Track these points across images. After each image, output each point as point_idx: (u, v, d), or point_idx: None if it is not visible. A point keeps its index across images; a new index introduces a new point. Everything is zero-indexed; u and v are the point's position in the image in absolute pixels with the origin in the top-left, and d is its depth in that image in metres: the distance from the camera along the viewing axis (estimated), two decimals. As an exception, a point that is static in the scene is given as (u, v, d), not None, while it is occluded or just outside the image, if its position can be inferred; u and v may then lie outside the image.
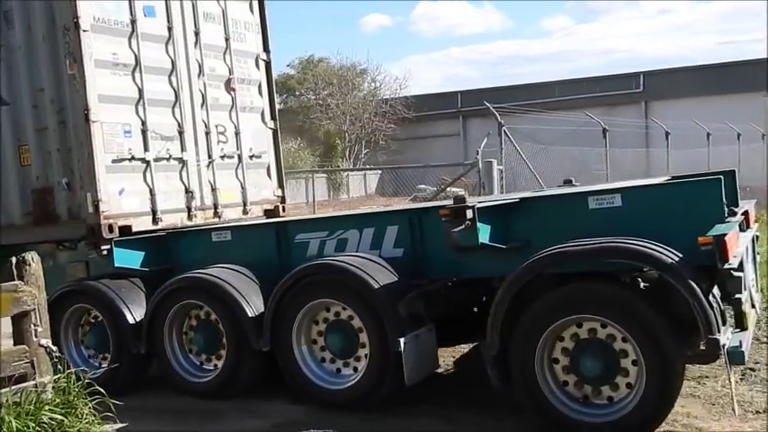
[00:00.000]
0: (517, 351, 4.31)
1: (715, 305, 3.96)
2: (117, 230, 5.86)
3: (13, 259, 4.33)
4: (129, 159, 6.09)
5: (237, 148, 7.23)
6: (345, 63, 48.35)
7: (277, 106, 7.82)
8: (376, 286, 4.82)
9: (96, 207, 5.76)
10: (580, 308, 4.22)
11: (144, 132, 6.22)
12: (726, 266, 3.95)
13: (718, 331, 3.89)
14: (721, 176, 4.49)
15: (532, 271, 4.32)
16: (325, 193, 41.29)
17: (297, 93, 48.63)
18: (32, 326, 4.30)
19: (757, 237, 5.61)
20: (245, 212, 7.31)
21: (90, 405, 4.28)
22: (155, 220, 6.29)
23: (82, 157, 5.79)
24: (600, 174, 19.30)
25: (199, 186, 6.79)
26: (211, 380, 5.48)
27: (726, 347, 3.87)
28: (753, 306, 4.80)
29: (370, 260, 5.09)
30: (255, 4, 7.60)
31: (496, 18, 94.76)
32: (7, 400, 4.04)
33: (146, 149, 6.23)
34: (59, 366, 4.34)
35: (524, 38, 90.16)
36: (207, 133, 6.89)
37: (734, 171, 5.48)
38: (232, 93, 7.21)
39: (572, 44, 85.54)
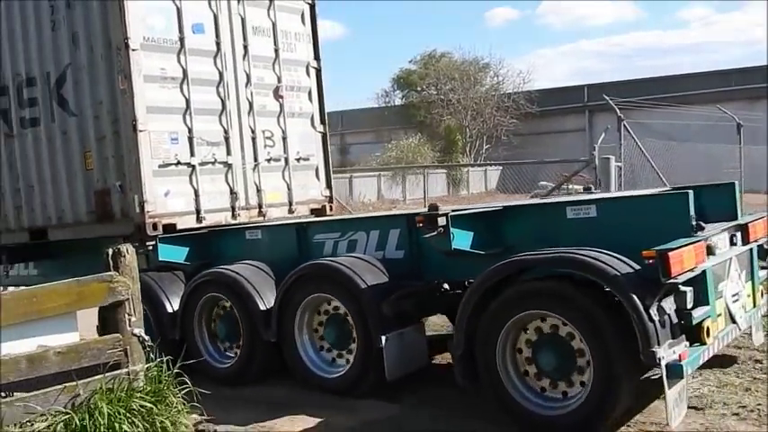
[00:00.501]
0: (481, 341, 4.56)
1: (658, 319, 4.03)
2: (161, 228, 6.62)
3: (110, 251, 4.52)
4: (176, 164, 6.83)
5: (284, 152, 7.84)
6: (468, 58, 48.31)
7: (326, 110, 8.35)
8: (362, 285, 5.22)
9: (142, 207, 6.54)
10: (543, 304, 4.43)
11: (190, 139, 6.95)
12: (669, 281, 4.00)
13: (658, 344, 3.97)
14: (689, 191, 4.51)
15: (496, 275, 4.56)
16: (444, 188, 41.74)
17: (418, 88, 49.22)
18: (126, 315, 4.42)
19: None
20: (290, 212, 7.91)
21: (179, 395, 4.37)
22: (198, 219, 7.01)
23: (131, 162, 6.59)
24: (732, 173, 18.36)
25: (244, 188, 7.46)
26: (230, 367, 6.11)
27: (663, 361, 3.95)
28: (733, 321, 4.76)
29: (364, 261, 5.50)
30: (307, 16, 8.17)
31: (628, 9, 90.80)
32: (101, 387, 4.18)
33: (192, 155, 6.96)
34: (151, 355, 4.47)
35: (659, 29, 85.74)
36: (253, 138, 7.55)
37: (733, 184, 5.39)
38: (280, 100, 7.83)
39: (712, 35, 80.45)
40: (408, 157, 38.77)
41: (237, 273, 6.02)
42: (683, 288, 4.09)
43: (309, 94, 8.20)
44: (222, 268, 6.18)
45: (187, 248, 6.82)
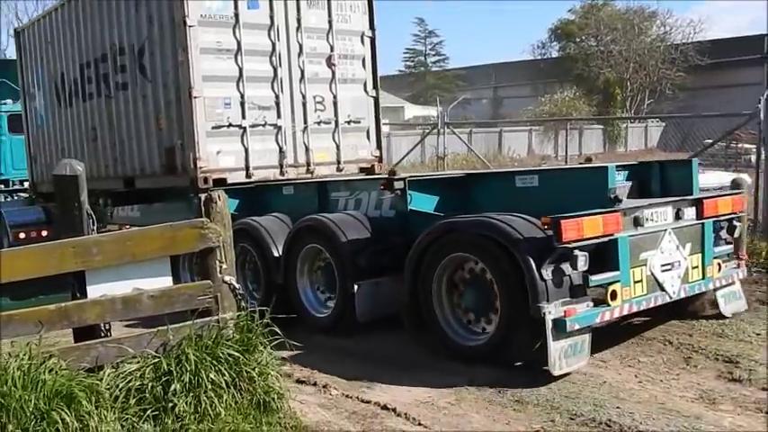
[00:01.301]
0: (422, 282, 5.36)
1: (551, 278, 4.60)
2: (211, 182, 7.83)
3: (202, 196, 4.67)
4: (228, 126, 7.99)
5: (335, 115, 8.77)
6: (632, 6, 46.06)
7: (379, 76, 9.14)
8: (342, 239, 6.11)
9: (195, 164, 7.78)
10: (467, 249, 5.18)
11: (242, 104, 8.07)
12: (561, 246, 4.53)
13: (547, 300, 4.55)
14: (608, 166, 4.93)
15: (432, 234, 5.28)
16: (600, 144, 40.64)
17: (577, 39, 47.72)
18: (217, 262, 4.43)
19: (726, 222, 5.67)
20: (338, 170, 8.86)
21: (268, 346, 4.36)
22: (248, 175, 8.16)
23: (188, 124, 7.83)
24: None
25: (293, 148, 8.50)
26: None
27: (548, 316, 4.52)
28: (662, 288, 5.14)
29: (354, 218, 6.36)
30: (364, -12, 8.94)
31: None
32: (189, 333, 4.21)
33: (243, 118, 8.08)
34: (243, 304, 4.51)
35: None
36: (304, 103, 8.54)
37: (692, 161, 5.62)
38: (332, 68, 8.73)
39: None
40: (562, 111, 38.16)
41: (260, 223, 7.11)
42: (576, 253, 4.58)
43: (363, 61, 9.03)
44: (250, 219, 7.26)
45: (237, 200, 7.99)
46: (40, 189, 12.14)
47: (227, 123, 8.01)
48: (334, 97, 8.78)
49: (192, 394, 3.97)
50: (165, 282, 4.43)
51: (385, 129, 36.48)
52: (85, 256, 4.18)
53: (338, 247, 6.13)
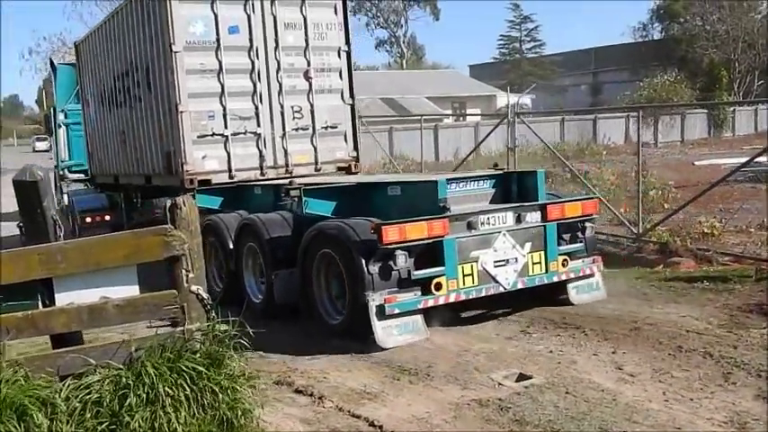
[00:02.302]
0: (305, 270, 6.78)
1: (377, 272, 5.92)
2: (197, 183, 9.48)
3: (167, 202, 4.63)
4: (212, 135, 9.61)
5: (312, 122, 10.20)
6: (742, -18, 44.45)
7: (355, 86, 10.47)
8: (266, 236, 7.57)
9: (182, 167, 9.46)
10: (331, 246, 6.55)
11: (224, 115, 9.66)
12: (382, 247, 5.83)
13: (373, 290, 5.89)
14: (437, 180, 6.14)
15: (309, 234, 6.69)
16: (704, 130, 39.65)
17: (681, 19, 46.39)
18: (183, 271, 4.39)
19: (563, 226, 6.85)
20: (316, 170, 10.30)
21: (238, 359, 4.32)
22: (230, 176, 9.75)
23: (177, 134, 9.51)
24: None
25: (273, 152, 10.01)
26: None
27: (371, 302, 5.84)
28: (495, 281, 6.42)
29: (282, 218, 7.79)
30: (340, 8, 10.29)
31: None
32: (152, 345, 4.21)
33: (225, 127, 9.67)
34: (213, 314, 4.46)
35: None
36: (282, 113, 10.02)
37: (536, 172, 6.67)
38: (309, 81, 10.16)
39: None
40: (662, 96, 37.53)
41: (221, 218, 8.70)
42: (397, 252, 5.86)
43: (340, 73, 10.40)
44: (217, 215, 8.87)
45: (222, 198, 9.62)
46: (98, 180, 14.37)
47: (212, 132, 9.62)
48: (312, 106, 10.20)
49: (149, 409, 3.97)
50: (133, 290, 4.47)
51: (474, 119, 37.14)
52: (51, 263, 4.24)
53: (263, 243, 7.61)
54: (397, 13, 62.15)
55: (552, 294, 7.14)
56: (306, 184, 7.40)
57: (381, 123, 29.13)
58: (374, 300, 5.92)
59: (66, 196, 16.71)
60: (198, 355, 4.24)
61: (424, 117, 32.28)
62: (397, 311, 6.00)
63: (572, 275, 6.99)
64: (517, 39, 57.42)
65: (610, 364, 5.68)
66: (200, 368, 4.14)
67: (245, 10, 9.70)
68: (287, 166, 10.15)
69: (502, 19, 74.42)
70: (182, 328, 4.35)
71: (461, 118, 41.68)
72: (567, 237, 7.02)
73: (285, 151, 10.11)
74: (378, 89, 42.27)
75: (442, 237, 6.07)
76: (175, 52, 9.30)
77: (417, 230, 5.94)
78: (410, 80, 49.23)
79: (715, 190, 11.22)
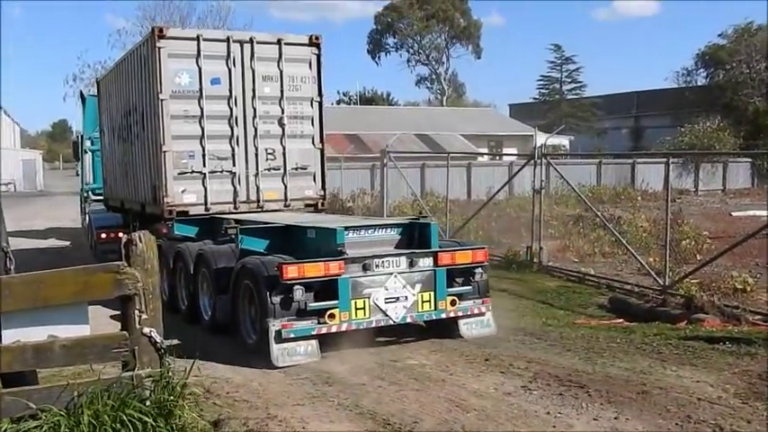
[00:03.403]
0: (234, 296, 8.20)
1: (279, 302, 7.28)
2: (175, 214, 11.02)
3: (123, 237, 4.48)
4: (191, 172, 11.16)
5: (284, 163, 11.67)
6: (789, 30, 44.75)
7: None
8: (213, 266, 9.01)
9: (163, 200, 11.01)
10: (249, 278, 7.91)
11: (204, 156, 11.21)
12: (283, 281, 7.19)
13: (274, 317, 7.25)
14: (336, 228, 7.50)
15: (237, 267, 8.12)
16: (747, 179, 39.67)
17: (726, 66, 46.69)
18: (137, 311, 4.25)
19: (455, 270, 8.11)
20: (286, 205, 11.75)
21: (194, 410, 4.20)
22: (206, 209, 11.26)
23: (160, 170, 11.09)
24: None
25: (246, 188, 11.51)
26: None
27: (272, 327, 7.19)
28: (386, 315, 7.68)
29: (231, 250, 9.18)
30: (314, 63, 11.80)
31: None
32: (93, 391, 4.03)
33: (204, 166, 11.21)
34: (167, 359, 4.32)
35: None
36: (256, 154, 11.53)
37: (429, 224, 8.01)
38: (283, 127, 11.66)
39: None
40: (704, 143, 37.85)
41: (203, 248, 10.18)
42: (295, 287, 7.22)
43: (312, 120, 11.88)
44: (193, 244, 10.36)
45: (197, 228, 11.13)
46: (110, 203, 16.14)
47: (191, 170, 11.18)
48: (284, 149, 11.69)
49: None
50: (83, 330, 4.32)
51: (510, 158, 37.84)
52: None
53: (211, 271, 9.06)
54: (439, 50, 64.08)
55: (447, 329, 8.35)
56: (243, 223, 8.84)
57: (413, 159, 30.07)
58: (274, 325, 7.32)
59: (87, 216, 18.64)
60: (147, 403, 4.08)
61: (458, 154, 33.35)
62: (292, 336, 7.39)
63: (460, 313, 8.23)
64: (558, 80, 58.39)
65: (610, 432, 5.55)
66: (147, 419, 3.98)
67: (226, 64, 11.28)
68: (258, 201, 11.62)
69: (543, 59, 75.50)
70: (130, 373, 4.20)
71: (497, 157, 42.65)
72: (459, 280, 8.28)
73: (257, 188, 11.59)
74: (413, 125, 43.74)
75: (338, 275, 7.43)
76: (162, 100, 10.91)
77: (315, 269, 7.33)
78: (446, 117, 50.67)
79: (753, 243, 11.06)
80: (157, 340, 4.30)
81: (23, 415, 4.02)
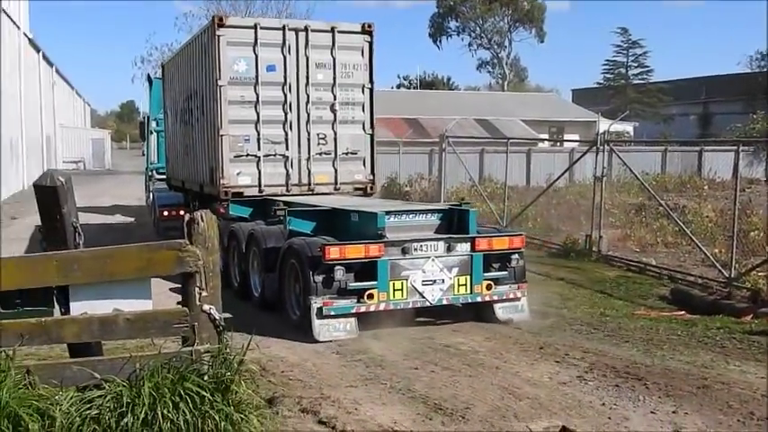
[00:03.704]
0: (282, 274, 8.74)
1: (321, 281, 7.79)
2: (230, 195, 11.64)
3: (186, 216, 4.61)
4: (246, 155, 11.76)
5: (334, 148, 12.16)
6: None
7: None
8: (263, 246, 9.56)
9: (220, 181, 11.64)
10: (295, 258, 8.43)
11: (258, 140, 11.78)
12: (325, 262, 7.69)
13: (316, 295, 7.77)
14: (378, 213, 7.93)
15: (284, 248, 8.68)
16: None
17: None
18: (197, 288, 4.37)
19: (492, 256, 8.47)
20: (336, 189, 12.25)
21: (249, 387, 4.29)
22: (260, 191, 11.85)
23: (217, 154, 11.71)
24: None
25: (298, 172, 12.05)
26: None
27: (313, 304, 7.69)
28: (422, 296, 8.18)
29: (279, 230, 9.72)
30: (366, 51, 12.22)
31: None
32: (155, 364, 4.18)
33: (258, 149, 11.79)
34: (225, 335, 4.41)
35: None
36: (308, 139, 12.04)
37: (468, 211, 8.37)
38: (334, 113, 12.14)
39: None
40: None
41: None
42: (336, 267, 7.70)
43: (363, 106, 12.32)
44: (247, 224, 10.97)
45: (251, 208, 11.73)
46: (172, 183, 16.95)
47: (246, 153, 11.78)
48: (335, 134, 12.17)
49: (145, 431, 3.95)
50: (146, 305, 4.46)
51: (571, 145, 37.73)
52: (67, 270, 4.30)
53: (260, 250, 9.62)
54: (502, 33, 63.61)
55: (483, 312, 8.72)
56: (292, 205, 9.38)
57: (472, 144, 30.13)
58: (316, 303, 7.85)
59: (151, 194, 19.58)
60: (205, 378, 4.21)
61: (517, 140, 33.23)
62: (333, 313, 7.92)
63: (495, 297, 8.59)
64: (623, 64, 57.27)
65: (667, 426, 5.47)
66: (205, 393, 4.10)
67: (282, 52, 11.80)
68: (309, 184, 12.15)
69: (608, 43, 73.88)
70: (189, 348, 4.33)
71: (558, 143, 42.33)
72: (496, 265, 8.62)
73: (309, 172, 12.12)
74: (473, 110, 43.75)
75: (378, 257, 7.89)
76: (220, 86, 11.52)
77: (355, 251, 7.82)
78: (507, 102, 50.44)
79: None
80: (216, 317, 4.41)
81: (88, 384, 4.21)
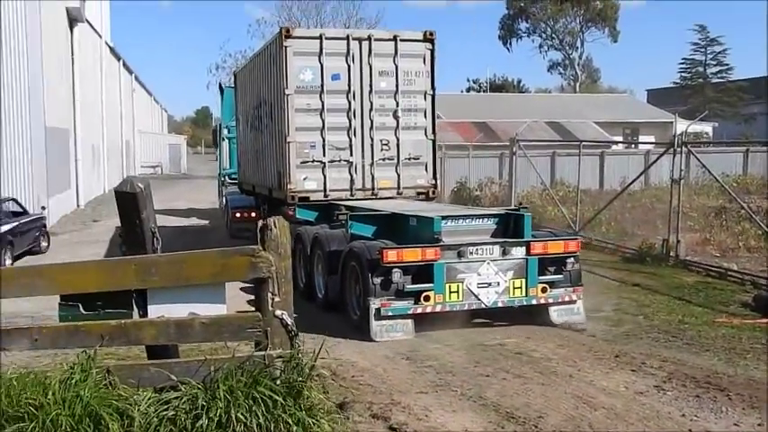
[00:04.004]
0: (343, 276, 9.22)
1: (379, 283, 8.18)
2: (297, 199, 12.18)
3: (259, 222, 4.70)
4: (312, 161, 12.28)
5: (397, 154, 12.57)
6: None
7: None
8: (327, 249, 10.03)
9: (287, 186, 12.20)
10: (356, 260, 8.85)
11: (324, 146, 12.29)
12: (383, 265, 8.09)
13: (374, 296, 8.18)
14: (434, 217, 8.30)
15: (345, 251, 9.12)
16: None
17: None
18: (270, 294, 4.47)
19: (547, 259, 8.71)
20: (398, 193, 12.66)
21: (321, 392, 4.34)
22: (325, 195, 12.35)
23: (285, 159, 12.27)
24: None
25: (362, 177, 12.50)
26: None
27: (372, 305, 8.10)
28: (477, 298, 8.49)
29: (341, 233, 10.18)
30: (428, 58, 12.59)
31: None
32: (228, 367, 4.30)
33: (324, 155, 12.30)
34: (297, 341, 4.50)
35: None
36: (372, 145, 12.49)
37: (524, 215, 8.66)
38: (397, 119, 12.54)
39: None
40: None
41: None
42: (393, 270, 8.09)
43: (425, 113, 12.70)
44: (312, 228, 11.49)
45: (317, 212, 12.24)
46: (243, 187, 17.70)
47: (312, 159, 12.31)
48: (398, 140, 12.58)
49: None
50: (220, 309, 4.62)
51: (646, 146, 37.08)
52: (145, 274, 4.49)
53: (324, 253, 10.09)
54: (574, 34, 62.87)
55: (537, 315, 8.98)
56: (354, 210, 9.82)
57: (543, 147, 29.97)
58: (374, 304, 8.26)
59: (224, 198, 20.44)
60: (277, 382, 4.31)
61: (590, 143, 32.80)
62: (390, 314, 8.32)
63: (551, 300, 8.82)
64: (701, 62, 55.79)
65: (752, 441, 5.31)
66: (277, 397, 4.21)
67: (346, 61, 12.29)
68: (373, 189, 12.60)
69: (686, 41, 71.73)
70: (262, 352, 4.45)
71: (633, 145, 41.63)
72: (551, 268, 8.86)
73: (372, 177, 12.57)
74: (544, 112, 43.50)
75: (434, 261, 8.25)
76: (287, 94, 12.08)
77: (412, 255, 8.21)
78: (579, 104, 49.90)
79: None
80: (288, 323, 4.50)
81: (165, 385, 4.36)
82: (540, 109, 45.33)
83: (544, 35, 63.40)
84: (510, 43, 66.20)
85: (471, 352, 7.86)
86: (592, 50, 73.07)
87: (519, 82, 66.87)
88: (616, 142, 40.39)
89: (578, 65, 63.63)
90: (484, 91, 61.18)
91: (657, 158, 17.36)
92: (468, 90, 63.87)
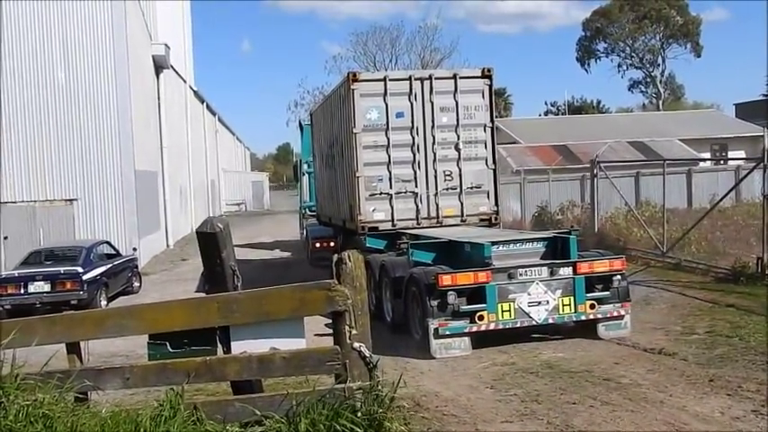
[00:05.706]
0: (405, 299, 10.33)
1: (436, 305, 9.31)
2: (367, 229, 13.46)
3: (335, 257, 4.90)
4: (380, 194, 13.57)
5: (460, 184, 13.71)
6: None
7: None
8: (392, 275, 11.24)
9: (357, 217, 13.50)
10: (416, 285, 10.00)
11: (390, 179, 13.56)
12: (439, 288, 9.23)
13: (432, 317, 9.31)
14: (485, 243, 9.39)
15: (407, 277, 10.31)
16: None
17: None
18: (347, 327, 4.66)
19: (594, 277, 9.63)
20: (462, 221, 13.77)
21: (401, 425, 4.41)
22: (393, 225, 13.59)
23: (354, 193, 13.59)
24: None
25: (427, 206, 13.70)
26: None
27: (431, 325, 9.22)
28: (529, 316, 9.48)
29: (403, 260, 11.34)
30: (486, 93, 13.76)
31: None
32: (309, 400, 4.50)
33: (390, 188, 13.57)
34: (376, 372, 4.64)
35: None
36: (435, 176, 13.70)
37: (570, 238, 9.61)
38: (458, 151, 13.70)
39: None
40: None
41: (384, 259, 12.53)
42: (449, 292, 9.22)
43: (485, 144, 13.83)
44: (380, 255, 12.73)
45: (385, 241, 13.48)
46: (321, 219, 19.22)
47: (380, 192, 13.60)
48: (460, 171, 13.73)
49: None
50: (300, 343, 4.79)
51: (736, 162, 36.73)
52: (227, 311, 4.68)
53: (390, 279, 11.29)
54: (654, 51, 62.56)
55: (587, 331, 9.88)
56: (416, 238, 11.01)
57: (626, 168, 30.17)
58: (432, 324, 9.39)
59: (305, 230, 22.03)
60: (358, 414, 4.43)
61: (675, 161, 32.63)
62: (447, 333, 9.43)
63: (599, 316, 9.74)
64: (793, 73, 54.52)
65: None
66: (358, 429, 4.33)
67: (409, 99, 13.60)
68: (438, 217, 13.77)
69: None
70: (342, 385, 4.58)
71: (722, 161, 41.15)
72: (599, 286, 9.77)
73: (437, 206, 13.76)
74: (625, 132, 43.63)
75: (486, 283, 9.33)
76: (355, 133, 13.45)
77: (465, 278, 9.32)
78: (663, 122, 49.65)
79: None
80: (366, 355, 4.65)
81: (250, 420, 4.57)
82: (622, 129, 45.45)
83: (623, 54, 63.51)
84: (588, 64, 66.57)
85: (556, 379, 8.02)
86: (674, 67, 72.28)
87: (599, 103, 66.96)
88: (703, 159, 40.02)
89: (660, 82, 63.21)
90: (562, 114, 61.48)
91: (748, 173, 17.11)
92: (547, 113, 64.30)
